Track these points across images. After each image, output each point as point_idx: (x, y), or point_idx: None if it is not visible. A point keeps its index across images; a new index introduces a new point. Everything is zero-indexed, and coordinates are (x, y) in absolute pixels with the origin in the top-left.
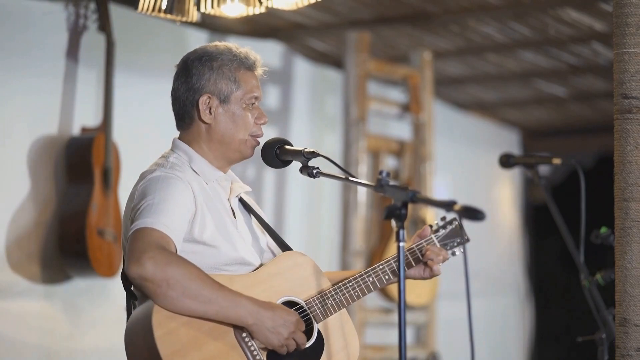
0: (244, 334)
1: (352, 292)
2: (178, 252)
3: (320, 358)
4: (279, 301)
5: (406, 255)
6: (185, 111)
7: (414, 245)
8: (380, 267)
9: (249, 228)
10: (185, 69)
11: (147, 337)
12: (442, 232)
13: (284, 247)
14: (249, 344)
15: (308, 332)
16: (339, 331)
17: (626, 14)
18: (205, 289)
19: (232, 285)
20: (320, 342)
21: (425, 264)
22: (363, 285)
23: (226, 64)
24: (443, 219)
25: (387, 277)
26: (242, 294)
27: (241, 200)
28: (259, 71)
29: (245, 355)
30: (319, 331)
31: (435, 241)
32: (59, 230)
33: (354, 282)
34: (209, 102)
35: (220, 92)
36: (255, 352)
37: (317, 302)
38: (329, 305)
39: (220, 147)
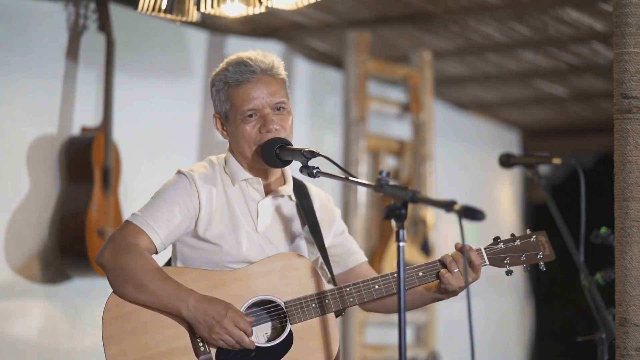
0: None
1: (341, 298)
2: (159, 246)
3: (280, 358)
4: (252, 299)
5: (425, 269)
6: None
7: (436, 261)
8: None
9: (280, 232)
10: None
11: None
12: (500, 246)
13: (327, 263)
14: (198, 336)
15: (279, 331)
16: (316, 336)
17: (626, 14)
18: (150, 280)
19: (205, 279)
20: (287, 343)
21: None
22: (355, 295)
23: (218, 84)
24: (513, 235)
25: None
26: (187, 288)
27: (301, 207)
28: (266, 73)
29: (192, 347)
30: (290, 332)
31: (484, 255)
32: (59, 230)
33: (348, 288)
34: (218, 122)
35: (222, 111)
36: (200, 345)
37: (298, 303)
38: (312, 307)
39: (242, 159)
